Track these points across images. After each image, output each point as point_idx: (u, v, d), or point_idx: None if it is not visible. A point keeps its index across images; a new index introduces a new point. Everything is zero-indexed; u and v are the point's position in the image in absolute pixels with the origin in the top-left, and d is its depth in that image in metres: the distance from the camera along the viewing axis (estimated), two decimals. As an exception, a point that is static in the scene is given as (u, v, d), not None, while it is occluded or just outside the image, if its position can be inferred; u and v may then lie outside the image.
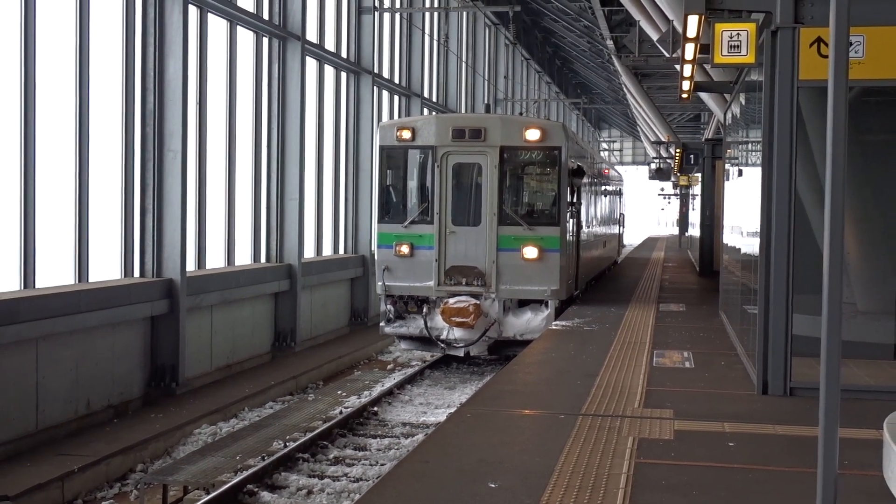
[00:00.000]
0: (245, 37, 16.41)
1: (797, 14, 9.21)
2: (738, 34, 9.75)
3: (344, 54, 21.07)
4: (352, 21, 21.53)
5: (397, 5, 25.13)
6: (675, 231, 63.14)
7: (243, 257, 16.46)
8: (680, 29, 13.35)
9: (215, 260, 15.46)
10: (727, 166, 16.88)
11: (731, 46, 9.77)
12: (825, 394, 4.69)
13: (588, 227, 20.94)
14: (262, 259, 17.01)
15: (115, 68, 12.78)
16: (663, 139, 39.96)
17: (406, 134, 16.23)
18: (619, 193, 34.30)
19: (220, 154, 15.63)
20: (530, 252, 15.87)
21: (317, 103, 19.69)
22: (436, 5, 27.99)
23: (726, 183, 17.41)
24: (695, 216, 34.74)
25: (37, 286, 11.09)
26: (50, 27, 11.42)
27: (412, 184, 16.72)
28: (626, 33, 24.61)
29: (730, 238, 15.62)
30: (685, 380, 10.51)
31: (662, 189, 65.85)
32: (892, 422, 4.16)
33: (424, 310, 16.18)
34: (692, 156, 29.65)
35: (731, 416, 8.56)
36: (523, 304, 16.21)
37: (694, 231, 35.75)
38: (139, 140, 13.05)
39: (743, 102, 13.06)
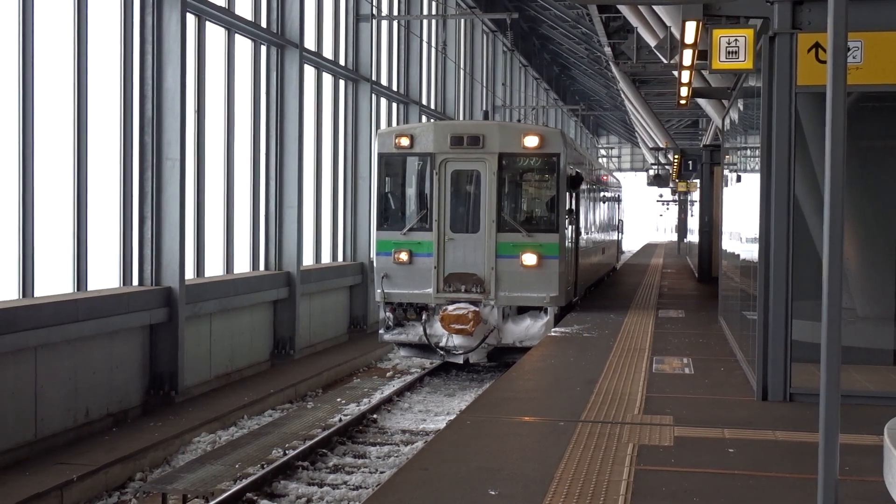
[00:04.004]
0: (243, 45, 16.42)
1: (795, 20, 9.22)
2: (735, 40, 9.76)
3: (342, 62, 21.09)
4: (350, 29, 21.55)
5: (395, 13, 25.16)
6: (674, 237, 63.14)
7: (242, 265, 16.45)
8: (678, 35, 13.37)
9: (214, 268, 15.45)
10: (726, 172, 16.88)
11: (728, 52, 9.77)
12: (825, 399, 4.68)
13: (587, 233, 20.94)
14: (261, 267, 17.00)
15: (113, 76, 12.78)
16: (661, 145, 40.00)
17: (404, 141, 16.23)
18: (617, 200, 34.31)
19: (219, 162, 15.63)
20: (529, 259, 15.87)
21: (315, 111, 19.70)
22: (433, 13, 28.03)
23: (725, 189, 17.41)
24: (693, 222, 34.78)
25: (35, 295, 11.08)
26: (47, 36, 11.43)
27: (411, 191, 16.71)
28: (624, 40, 24.65)
29: (729, 244, 15.61)
30: (685, 386, 10.50)
31: (661, 195, 65.91)
32: (893, 427, 4.15)
33: (423, 317, 16.17)
34: (690, 162, 29.66)
35: (730, 423, 8.55)
36: (522, 310, 16.19)
37: (692, 237, 35.79)
38: (137, 148, 13.04)
39: (741, 108, 13.07)
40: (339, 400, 14.53)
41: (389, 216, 16.58)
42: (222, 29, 15.66)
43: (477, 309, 15.85)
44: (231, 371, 15.32)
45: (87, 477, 9.69)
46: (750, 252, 11.04)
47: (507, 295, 15.94)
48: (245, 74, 16.55)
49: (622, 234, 41.19)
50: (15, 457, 10.14)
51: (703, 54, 11.60)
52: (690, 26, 10.79)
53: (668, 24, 17.51)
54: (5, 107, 10.86)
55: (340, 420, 12.86)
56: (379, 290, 16.33)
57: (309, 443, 11.26)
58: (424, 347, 16.36)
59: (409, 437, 12.25)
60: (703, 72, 16.97)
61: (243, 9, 16.33)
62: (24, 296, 10.94)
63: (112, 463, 10.14)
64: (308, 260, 18.99)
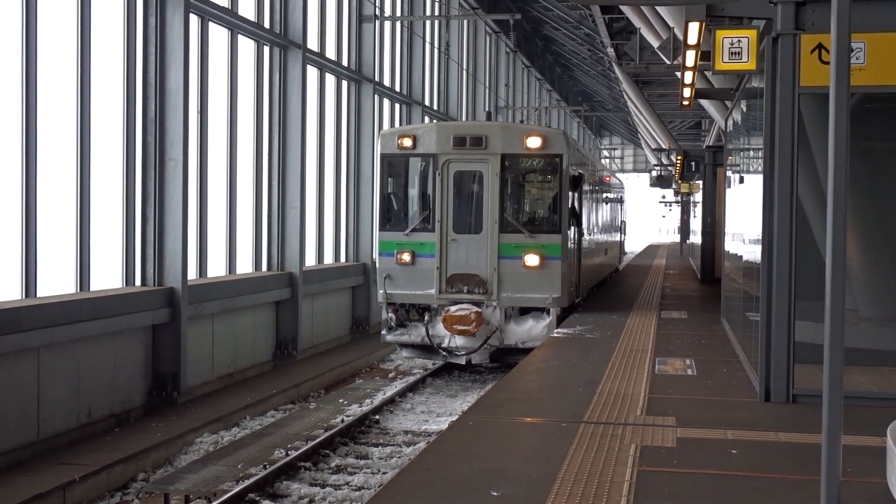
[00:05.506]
0: (246, 45, 16.43)
1: (798, 21, 9.22)
2: (738, 41, 9.75)
3: (345, 62, 21.10)
4: (353, 29, 21.56)
5: (398, 14, 25.17)
6: (677, 239, 63.08)
7: (244, 266, 16.46)
8: (681, 36, 13.37)
9: (216, 268, 15.45)
10: (728, 173, 16.87)
11: (731, 53, 9.76)
12: (828, 401, 4.68)
13: (589, 234, 20.93)
14: (264, 267, 17.01)
15: (116, 77, 12.79)
16: (664, 146, 39.98)
17: (407, 142, 16.24)
18: (620, 201, 34.30)
19: (222, 162, 15.64)
20: (532, 260, 15.86)
21: (318, 111, 19.71)
22: (436, 14, 28.04)
23: (727, 190, 17.41)
24: (696, 223, 34.75)
25: (38, 295, 11.08)
26: (51, 36, 11.44)
27: (413, 192, 16.72)
28: (627, 41, 24.65)
29: (731, 245, 15.61)
30: (687, 387, 10.49)
31: (664, 196, 65.84)
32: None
33: (426, 318, 16.16)
34: (693, 163, 29.64)
35: (733, 424, 8.54)
36: (525, 311, 16.18)
37: (695, 238, 35.76)
38: (140, 148, 13.05)
39: (744, 109, 13.07)
40: (341, 400, 14.53)
41: (392, 217, 16.59)
42: (225, 30, 15.67)
43: (479, 310, 15.84)
44: (233, 371, 15.33)
45: (90, 477, 9.69)
46: (752, 253, 11.03)
47: (509, 296, 15.93)
48: (248, 75, 16.55)
49: (625, 235, 41.18)
50: (18, 457, 10.15)
51: (706, 55, 11.59)
52: (693, 27, 10.78)
53: (671, 25, 17.52)
54: (9, 108, 10.87)
55: (343, 421, 12.86)
56: (381, 291, 16.32)
57: (311, 443, 11.27)
58: (427, 348, 16.36)
59: (412, 438, 12.25)
60: (705, 73, 16.96)
61: (246, 9, 16.34)
62: (26, 296, 10.95)
63: (114, 463, 10.14)
64: (310, 260, 19.00)
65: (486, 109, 30.35)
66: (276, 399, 14.21)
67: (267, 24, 16.95)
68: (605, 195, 26.24)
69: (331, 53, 20.35)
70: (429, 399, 14.97)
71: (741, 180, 13.60)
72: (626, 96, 37.77)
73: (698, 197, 32.43)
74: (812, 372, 9.30)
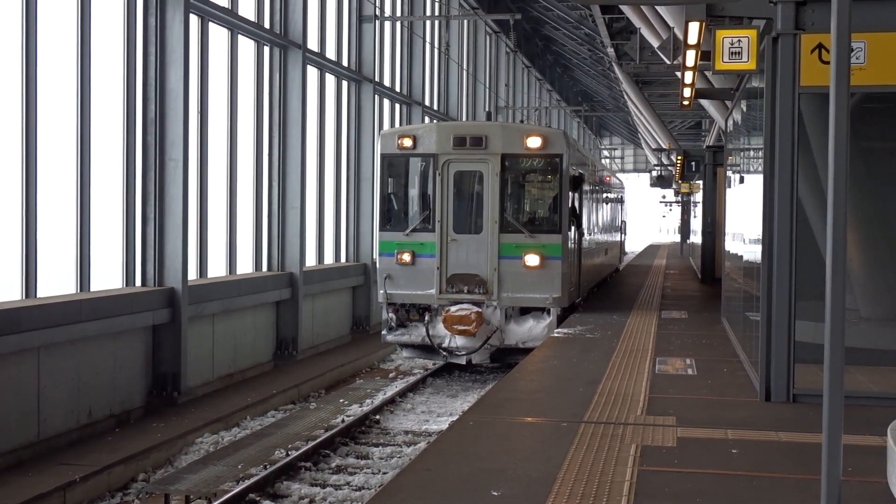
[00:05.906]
0: (246, 45, 16.43)
1: (798, 20, 9.22)
2: (739, 41, 9.75)
3: (345, 63, 21.10)
4: (353, 29, 21.56)
5: (398, 14, 25.17)
6: (677, 239, 63.07)
7: (245, 266, 16.45)
8: (681, 36, 13.37)
9: (217, 269, 15.45)
10: (728, 173, 16.87)
11: (732, 53, 9.76)
12: (828, 400, 4.68)
13: (590, 234, 20.93)
14: (264, 268, 17.01)
15: (116, 77, 12.79)
16: (664, 146, 39.99)
17: (407, 142, 16.24)
18: (620, 201, 34.30)
19: (222, 162, 15.64)
20: (532, 260, 15.86)
21: (318, 111, 19.71)
22: (436, 14, 28.03)
23: (728, 190, 17.41)
24: (696, 223, 34.75)
25: (38, 295, 11.08)
26: (51, 36, 11.44)
27: (413, 192, 16.72)
28: (627, 41, 24.66)
29: (731, 245, 15.61)
30: (688, 387, 10.49)
31: (664, 196, 65.86)
32: (896, 428, 4.15)
33: (426, 318, 16.16)
34: (693, 163, 29.64)
35: (733, 423, 8.54)
36: (525, 311, 16.18)
37: (695, 238, 35.76)
38: (140, 149, 13.05)
39: (744, 109, 13.07)
40: (341, 401, 14.53)
41: (392, 217, 16.59)
42: (225, 30, 15.66)
43: (480, 310, 15.84)
44: (234, 372, 15.33)
45: (90, 478, 9.69)
46: (753, 253, 11.03)
47: (509, 296, 15.93)
48: (248, 75, 16.55)
49: (625, 235, 41.19)
50: (18, 457, 10.15)
51: (706, 55, 11.59)
52: (693, 27, 10.79)
53: (671, 24, 17.53)
54: (9, 108, 10.87)
55: (343, 421, 12.86)
56: (382, 291, 16.32)
57: (312, 443, 11.27)
58: (427, 348, 16.36)
59: (412, 438, 12.25)
60: (706, 73, 16.96)
61: (246, 10, 16.33)
62: (27, 296, 10.95)
63: (115, 464, 10.14)
64: (311, 261, 19.00)
65: (486, 109, 30.38)
66: (277, 399, 14.21)
67: (267, 25, 16.95)
68: (605, 195, 26.24)
69: (331, 54, 20.35)
70: (429, 399, 14.97)
71: (741, 180, 13.60)
72: (626, 96, 37.78)
73: (698, 197, 32.43)
74: (812, 372, 9.30)
